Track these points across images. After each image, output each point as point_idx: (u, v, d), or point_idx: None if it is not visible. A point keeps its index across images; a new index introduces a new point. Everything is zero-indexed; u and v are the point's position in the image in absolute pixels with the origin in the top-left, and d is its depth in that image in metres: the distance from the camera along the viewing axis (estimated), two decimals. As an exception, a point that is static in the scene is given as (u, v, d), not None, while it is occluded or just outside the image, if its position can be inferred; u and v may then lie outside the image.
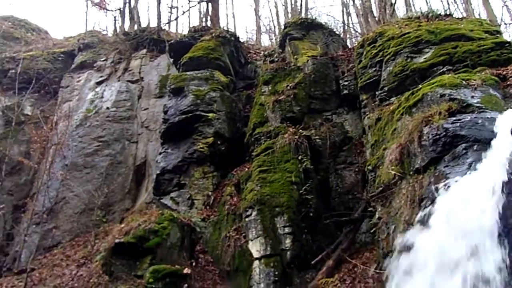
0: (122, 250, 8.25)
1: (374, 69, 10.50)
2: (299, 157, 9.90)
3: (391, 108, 8.97)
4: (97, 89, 16.53)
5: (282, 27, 17.62)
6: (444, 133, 6.38)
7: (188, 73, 13.50)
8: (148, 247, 8.22)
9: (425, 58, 9.35)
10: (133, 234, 8.42)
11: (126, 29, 20.91)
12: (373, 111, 10.08)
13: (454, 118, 6.59)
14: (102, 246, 9.90)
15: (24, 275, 10.56)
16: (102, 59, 18.00)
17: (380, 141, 8.99)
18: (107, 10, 24.25)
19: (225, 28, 17.45)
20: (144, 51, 17.91)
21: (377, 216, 7.95)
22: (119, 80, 16.68)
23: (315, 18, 15.85)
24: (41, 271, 10.86)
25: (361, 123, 11.05)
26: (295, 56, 13.33)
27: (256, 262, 8.50)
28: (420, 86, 8.33)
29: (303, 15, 18.21)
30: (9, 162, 13.70)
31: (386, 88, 9.77)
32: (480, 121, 6.29)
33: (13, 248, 13.04)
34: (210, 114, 12.32)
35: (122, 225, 9.28)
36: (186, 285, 7.55)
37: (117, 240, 8.38)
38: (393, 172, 7.24)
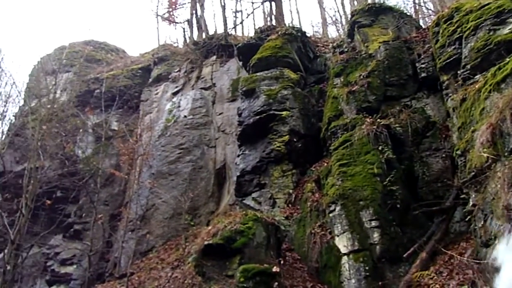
0: (212, 251, 8.53)
1: (453, 47, 9.82)
2: (380, 148, 9.56)
3: (476, 86, 8.33)
4: (174, 99, 17.35)
5: (349, 16, 17.15)
6: (541, 109, 5.81)
7: (258, 74, 13.65)
8: (235, 247, 8.42)
9: (509, 29, 8.56)
10: (220, 235, 8.67)
11: (195, 39, 21.68)
12: (457, 92, 9.43)
13: (550, 90, 5.97)
14: (192, 248, 10.34)
15: (124, 279, 11.39)
16: (175, 70, 18.86)
17: (468, 123, 8.38)
18: (176, 23, 25.38)
19: (291, 25, 17.39)
20: (214, 57, 18.45)
21: (471, 203, 7.43)
22: (193, 89, 17.36)
23: (383, 2, 15.15)
24: (140, 274, 11.62)
25: (444, 106, 10.39)
26: (366, 44, 12.89)
27: (345, 258, 8.35)
28: (507, 59, 7.64)
29: (369, 0, 17.56)
30: (102, 175, 14.80)
31: (468, 66, 9.09)
32: None
33: (112, 254, 14.11)
34: (284, 112, 12.33)
35: (209, 228, 9.60)
36: (276, 283, 7.61)
37: (206, 242, 8.68)
38: (485, 155, 6.72)
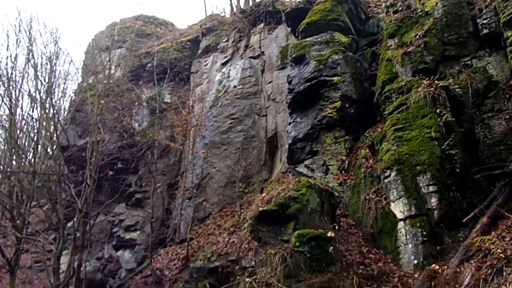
0: (266, 218, 8.73)
1: (519, -1, 9.07)
2: (437, 111, 9.19)
3: (546, 39, 7.70)
4: (223, 70, 17.45)
5: (402, -28, 16.15)
6: None
7: (307, 39, 13.35)
8: (289, 213, 8.55)
9: None
10: (274, 202, 8.83)
11: (242, 7, 21.44)
12: (522, 48, 8.79)
13: None
14: (247, 215, 10.64)
15: (184, 244, 11.98)
16: (224, 40, 18.86)
17: (535, 81, 7.83)
18: (222, -8, 25.09)
19: (340, -14, 16.67)
20: (262, 25, 18.18)
21: (539, 165, 7.05)
22: (242, 58, 17.33)
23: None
24: (198, 239, 12.17)
25: (508, 64, 9.73)
26: (421, 1, 12.16)
27: (401, 223, 8.28)
28: None
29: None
30: (158, 146, 15.37)
31: (536, 19, 8.39)
32: None
33: (172, 221, 14.82)
34: (335, 78, 12.07)
35: (263, 195, 9.79)
36: (331, 247, 7.71)
37: (260, 209, 8.88)
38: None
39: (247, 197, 12.72)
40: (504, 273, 6.26)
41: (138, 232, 15.13)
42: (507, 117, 9.29)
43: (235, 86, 16.25)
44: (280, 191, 9.10)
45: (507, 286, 6.04)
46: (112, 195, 16.15)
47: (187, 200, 13.93)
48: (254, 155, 14.53)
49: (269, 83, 15.90)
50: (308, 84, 12.30)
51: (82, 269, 14.00)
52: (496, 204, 7.83)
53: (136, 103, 18.09)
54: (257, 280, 7.24)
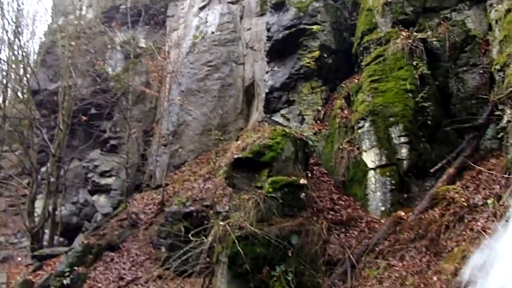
0: (241, 165, 8.81)
1: (501, -49, 8.94)
2: (414, 63, 9.23)
3: (525, -5, 7.71)
4: (201, 15, 16.86)
5: None
6: None
7: (288, -15, 12.95)
8: (264, 161, 8.64)
9: None
10: (249, 149, 8.89)
11: None
12: (502, 2, 8.76)
13: None
14: (222, 162, 10.75)
15: (160, 189, 12.11)
16: (202, -17, 18.08)
17: (511, 36, 7.90)
18: None
19: None
20: (241, -32, 17.48)
21: (505, 119, 7.27)
22: (220, 3, 16.72)
23: None
24: (174, 185, 12.31)
25: (487, 18, 9.72)
26: (406, -50, 11.86)
27: (371, 172, 8.54)
28: None
29: None
30: (133, 92, 15.06)
31: (518, -28, 8.33)
32: None
33: (147, 167, 14.86)
34: (314, 27, 11.88)
35: (239, 142, 9.85)
36: (303, 194, 7.91)
37: (235, 156, 8.93)
38: (527, 69, 6.42)
39: (223, 145, 12.78)
40: (465, 220, 6.61)
41: (114, 177, 15.15)
42: (481, 71, 9.43)
43: (212, 32, 15.80)
44: (256, 139, 9.16)
45: (467, 232, 6.40)
46: (86, 141, 16.01)
47: (163, 147, 13.91)
48: (231, 104, 14.46)
49: (248, 30, 15.53)
50: (287, 32, 12.09)
51: (57, 212, 14.09)
52: (464, 155, 8.11)
53: (109, 47, 17.46)
54: (230, 224, 7.42)
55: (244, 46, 15.35)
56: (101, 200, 15.07)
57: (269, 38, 12.73)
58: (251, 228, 7.20)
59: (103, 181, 15.24)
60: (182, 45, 16.00)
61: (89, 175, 15.73)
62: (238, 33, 15.70)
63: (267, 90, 12.36)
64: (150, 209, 12.08)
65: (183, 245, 8.51)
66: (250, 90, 14.66)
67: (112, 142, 15.78)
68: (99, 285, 9.86)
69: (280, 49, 12.31)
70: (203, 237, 8.02)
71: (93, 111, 16.02)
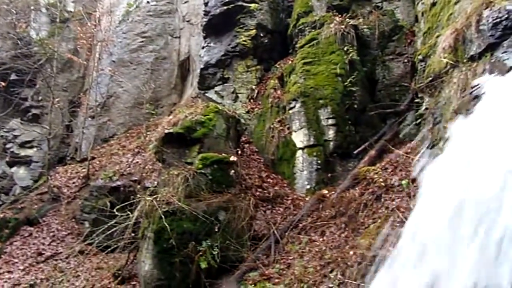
0: (172, 140, 8.68)
1: None
2: (345, 48, 9.54)
3: (449, -10, 8.20)
4: (136, -18, 16.10)
5: None
6: (506, 16, 5.81)
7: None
8: (195, 137, 8.58)
9: None
10: (181, 125, 8.77)
11: None
12: (429, -4, 9.28)
13: (519, -1, 5.97)
14: (153, 137, 10.50)
15: (86, 163, 11.60)
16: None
17: (434, 28, 8.39)
18: None
19: None
20: None
21: (424, 107, 7.77)
22: (157, -29, 16.07)
23: None
24: (101, 159, 11.85)
25: (414, 10, 10.26)
26: None
27: (300, 152, 8.80)
28: (482, -37, 7.45)
29: None
30: (59, 59, 14.12)
31: (443, -31, 8.83)
32: (548, 1, 5.67)
33: (73, 139, 14.12)
34: (252, 5, 11.81)
35: (170, 117, 9.67)
36: (233, 171, 7.99)
37: (166, 131, 8.78)
38: (445, 61, 6.85)
39: (154, 119, 12.46)
40: (382, 199, 7.07)
41: (35, 149, 14.19)
42: (405, 60, 9.99)
43: (148, 2, 15.17)
44: (188, 115, 9.04)
45: (383, 210, 6.86)
46: (5, 109, 14.79)
47: (90, 119, 13.28)
48: (165, 77, 14.09)
49: (185, 3, 15.09)
50: (225, 8, 11.91)
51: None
52: (385, 139, 8.60)
53: (33, 8, 16.13)
54: (158, 199, 7.32)
55: (181, 19, 14.93)
56: (20, 173, 14.10)
57: (206, 13, 12.47)
58: (179, 203, 7.16)
59: (23, 152, 14.23)
60: (114, 12, 15.21)
61: (8, 145, 14.61)
62: (175, 5, 15.22)
63: (202, 66, 12.16)
64: (74, 183, 11.55)
65: (108, 220, 8.26)
66: (185, 64, 14.36)
67: (34, 111, 14.71)
68: (16, 260, 9.35)
69: (217, 25, 12.12)
70: (129, 212, 7.85)
71: (13, 77, 14.77)
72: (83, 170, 11.56)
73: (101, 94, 13.55)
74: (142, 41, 14.53)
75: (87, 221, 9.76)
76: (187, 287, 6.80)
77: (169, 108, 13.46)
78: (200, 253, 6.84)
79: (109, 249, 8.28)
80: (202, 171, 7.81)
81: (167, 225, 6.88)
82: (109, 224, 8.09)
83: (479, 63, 6.22)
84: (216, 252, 6.84)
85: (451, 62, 6.77)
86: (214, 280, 6.80)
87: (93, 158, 11.80)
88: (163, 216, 7.00)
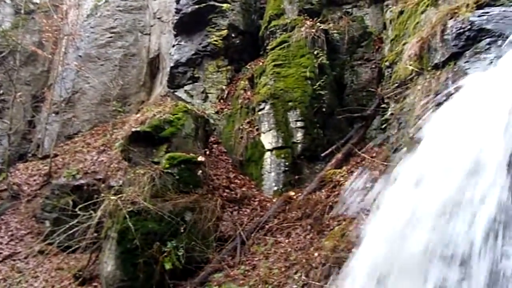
0: (139, 139, 8.54)
1: (400, -43, 9.67)
2: (315, 52, 9.66)
3: (415, 0, 8.45)
4: (106, -24, 15.74)
5: None
6: (469, 27, 6.03)
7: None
8: (163, 136, 8.47)
9: None
10: (148, 123, 8.64)
11: None
12: (397, 4, 9.52)
13: (481, 11, 6.17)
14: (119, 135, 10.29)
15: (48, 160, 11.23)
16: None
17: (401, 36, 8.62)
18: None
19: None
20: None
21: (389, 112, 7.95)
22: (128, -34, 15.77)
23: None
24: (64, 156, 11.50)
25: (383, 17, 10.52)
26: None
27: (268, 153, 8.83)
28: (449, -25, 7.72)
29: None
30: (22, 52, 13.62)
31: (411, -21, 9.08)
32: (509, 14, 5.89)
33: (35, 135, 13.64)
34: (224, 5, 11.78)
35: (138, 115, 9.50)
36: (200, 171, 7.93)
37: (133, 129, 8.63)
38: (410, 68, 7.04)
39: (121, 117, 12.19)
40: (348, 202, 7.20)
41: (-6, 144, 13.66)
42: (373, 66, 10.21)
43: (118, -3, 14.86)
44: (156, 113, 8.92)
45: (346, 211, 6.99)
46: (-38, 102, 14.16)
47: (54, 115, 12.86)
48: (134, 75, 13.84)
49: (156, -1, 14.89)
50: (197, 7, 11.82)
51: None
52: (351, 143, 8.75)
53: (-5, -2, 15.52)
54: (122, 198, 7.17)
55: (152, 16, 14.70)
56: (-23, 169, 13.52)
57: (177, 11, 12.33)
58: (144, 203, 7.05)
59: (-18, 147, 13.66)
60: (82, 6, 14.80)
61: (-35, 140, 13.99)
62: (146, 1, 14.97)
63: (172, 64, 12.02)
64: (35, 180, 11.15)
65: (70, 219, 8.03)
66: (155, 62, 14.15)
67: (-5, 105, 14.16)
68: (-31, 260, 8.94)
69: (188, 24, 12.01)
70: (92, 212, 7.66)
71: (-28, 68, 14.18)
72: (45, 167, 11.19)
73: (66, 89, 13.16)
74: (110, 37, 14.21)
75: (48, 220, 9.45)
76: (150, 288, 6.70)
77: (137, 106, 13.21)
78: (165, 254, 6.75)
79: (70, 249, 8.05)
80: (169, 170, 7.71)
81: (131, 225, 6.76)
82: (71, 224, 7.88)
83: (442, 71, 6.43)
84: (181, 253, 6.77)
85: (416, 69, 6.97)
86: (179, 281, 6.73)
87: (56, 155, 11.44)
88: (127, 216, 6.86)
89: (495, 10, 6.07)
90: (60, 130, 12.68)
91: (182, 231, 7.01)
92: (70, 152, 11.58)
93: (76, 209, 8.10)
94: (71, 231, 7.86)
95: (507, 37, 5.58)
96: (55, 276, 8.07)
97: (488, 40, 5.77)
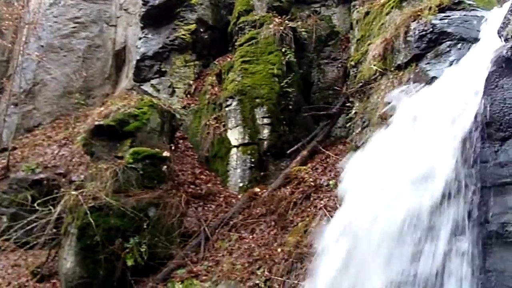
0: (102, 132, 8.35)
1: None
2: (283, 49, 9.71)
3: (381, 1, 8.62)
4: (70, -37, 15.23)
5: None
6: (431, 29, 6.24)
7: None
8: (127, 130, 8.32)
9: None
10: (112, 117, 8.46)
11: None
12: (363, 5, 9.71)
13: (443, 15, 6.40)
14: (82, 128, 10.03)
15: (6, 153, 10.80)
16: None
17: (367, 36, 8.80)
18: None
19: None
20: None
21: (353, 111, 8.12)
22: (93, -46, 15.31)
23: None
24: (23, 150, 11.09)
25: (350, 17, 10.71)
26: None
27: (234, 150, 8.83)
28: (414, -22, 7.94)
29: None
30: (-20, 39, 13.05)
31: (377, -19, 9.28)
32: (469, 19, 6.13)
33: (-8, 128, 13.09)
34: (193, -1, 11.68)
35: (102, 109, 9.30)
36: (165, 166, 7.84)
37: (96, 123, 8.44)
38: (375, 68, 7.22)
39: (84, 110, 11.86)
40: (311, 198, 7.32)
41: None
42: (339, 65, 10.38)
43: (83, -14, 14.41)
44: (121, 107, 8.76)
45: (311, 209, 7.10)
46: None
47: (13, 106, 12.36)
48: (98, 67, 13.49)
49: (123, -10, 14.55)
50: (165, -1, 11.65)
51: None
52: (316, 140, 8.88)
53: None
54: (84, 194, 7.00)
55: (118, 7, 14.35)
56: None
57: (145, 3, 12.08)
58: (107, 198, 6.91)
59: None
60: (45, -7, 14.29)
61: None
62: (112, -9, 14.60)
63: (138, 57, 11.79)
64: (-9, 174, 10.70)
65: (28, 214, 7.79)
66: (121, 55, 13.84)
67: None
68: None
69: (156, 16, 11.81)
70: (52, 207, 7.45)
71: None
72: (3, 161, 10.74)
73: (26, 80, 12.68)
74: (74, 27, 13.77)
75: (5, 216, 9.08)
76: (111, 285, 6.58)
77: (101, 99, 12.87)
78: (127, 250, 6.65)
79: (28, 246, 7.77)
80: (133, 165, 7.58)
81: (92, 221, 6.63)
82: (29, 219, 7.64)
83: (404, 72, 6.63)
84: (144, 249, 6.67)
85: (380, 69, 7.15)
86: (140, 278, 6.63)
87: (14, 148, 11.02)
88: (88, 212, 6.72)
89: (456, 14, 6.31)
90: (20, 122, 12.22)
91: (145, 227, 6.91)
92: (30, 145, 11.18)
93: (35, 204, 7.87)
94: (29, 227, 7.62)
95: (467, 40, 5.83)
96: (12, 273, 7.79)
97: (448, 43, 6.00)
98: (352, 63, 8.63)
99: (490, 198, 3.43)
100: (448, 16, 6.31)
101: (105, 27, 14.02)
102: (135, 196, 7.17)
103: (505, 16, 3.98)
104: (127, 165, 7.58)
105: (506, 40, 3.90)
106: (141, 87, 11.65)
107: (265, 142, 8.76)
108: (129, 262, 6.56)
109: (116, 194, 7.16)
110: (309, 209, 7.11)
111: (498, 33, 4.10)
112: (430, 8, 6.60)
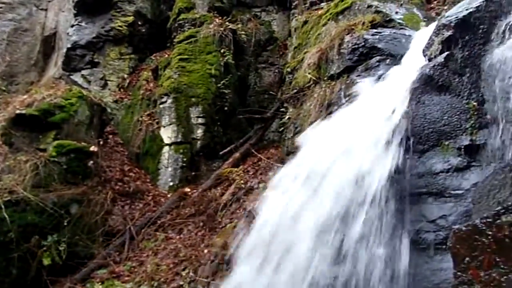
0: (24, 122, 7.81)
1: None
2: (222, 50, 9.72)
3: (319, 12, 8.93)
4: None
5: None
6: (363, 43, 6.56)
7: None
8: (52, 121, 7.85)
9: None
10: (36, 106, 7.94)
11: None
12: (302, 14, 9.99)
13: (375, 30, 6.76)
14: (1, 116, 9.30)
15: None
16: None
17: (303, 45, 9.06)
18: None
19: None
20: None
21: (287, 116, 8.33)
22: None
23: None
24: None
25: (289, 25, 10.96)
26: None
27: (166, 148, 8.68)
28: (351, -8, 8.31)
29: None
30: None
31: (316, -8, 9.61)
32: (398, 36, 6.53)
33: None
34: (132, -10, 11.31)
35: (25, 97, 8.69)
36: (91, 162, 7.51)
37: (18, 111, 7.88)
38: (309, 76, 7.45)
39: (6, 97, 11.01)
40: (241, 200, 7.37)
41: None
42: (276, 71, 10.61)
43: (11, -36, 13.43)
44: (46, 96, 8.22)
45: (240, 210, 7.15)
46: None
47: None
48: (24, 52, 12.62)
49: (57, -27, 13.75)
50: (102, -13, 11.17)
51: None
52: (250, 143, 8.98)
53: None
54: (-1, 187, 6.52)
55: (50, -10, 13.56)
56: None
57: (80, -12, 11.52)
58: (24, 193, 6.49)
59: None
60: (-33, -32, 13.13)
61: None
62: (45, -27, 13.76)
63: (69, 46, 11.17)
64: None
65: None
66: (50, 41, 13.04)
67: None
68: None
69: (92, 4, 11.27)
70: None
71: None
72: None
73: None
74: (0, 7, 12.79)
75: None
76: (24, 284, 6.19)
77: (25, 87, 12.02)
78: (44, 249, 6.30)
79: None
80: (56, 159, 7.19)
81: (7, 216, 6.20)
82: None
83: (337, 82, 6.91)
84: (63, 247, 6.36)
85: (314, 78, 7.40)
86: (57, 278, 6.30)
87: None
88: (3, 206, 6.27)
89: (386, 31, 6.70)
90: None
91: (65, 224, 6.59)
92: None
93: None
94: None
95: (395, 57, 6.21)
96: None
97: (378, 57, 6.35)
98: (288, 69, 8.85)
99: (407, 207, 3.68)
100: (380, 32, 6.67)
101: (34, 10, 13.16)
102: (56, 192, 6.80)
103: (430, 37, 4.29)
104: (50, 158, 7.17)
105: (430, 59, 4.22)
106: (71, 77, 11.06)
107: (198, 142, 8.71)
108: (46, 261, 6.21)
109: (36, 188, 6.75)
110: (238, 211, 7.16)
111: (423, 52, 4.42)
112: (363, 23, 6.95)
